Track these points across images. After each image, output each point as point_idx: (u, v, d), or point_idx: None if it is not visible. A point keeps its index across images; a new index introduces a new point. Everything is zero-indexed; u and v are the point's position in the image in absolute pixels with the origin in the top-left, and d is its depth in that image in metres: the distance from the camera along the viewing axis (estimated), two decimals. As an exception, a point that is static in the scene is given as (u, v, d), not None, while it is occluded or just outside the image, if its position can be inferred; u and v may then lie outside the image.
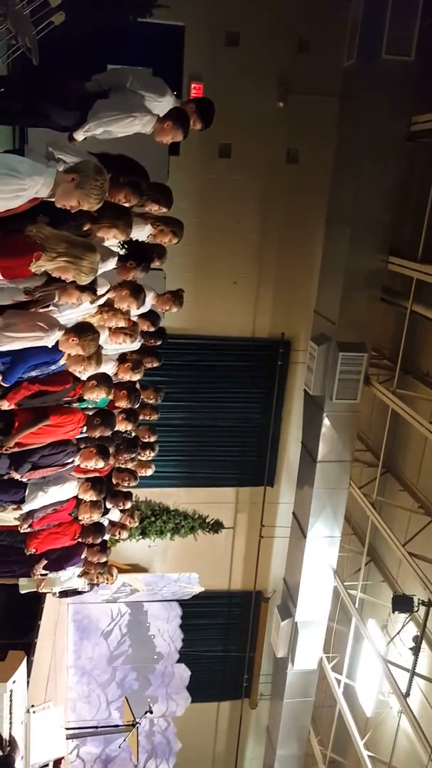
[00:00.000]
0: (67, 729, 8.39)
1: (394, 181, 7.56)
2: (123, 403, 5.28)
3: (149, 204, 4.58)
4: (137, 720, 8.68)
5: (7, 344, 3.74)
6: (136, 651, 10.71)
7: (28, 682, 5.52)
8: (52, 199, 3.37)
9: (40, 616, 6.99)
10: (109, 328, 4.65)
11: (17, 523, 5.13)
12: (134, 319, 5.11)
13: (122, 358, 5.30)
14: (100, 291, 4.16)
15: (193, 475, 10.31)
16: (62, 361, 4.13)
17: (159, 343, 5.93)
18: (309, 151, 8.82)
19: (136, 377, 5.33)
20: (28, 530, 5.15)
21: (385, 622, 8.84)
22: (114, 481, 5.88)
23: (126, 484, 5.92)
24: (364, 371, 8.12)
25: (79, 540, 5.53)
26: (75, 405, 4.78)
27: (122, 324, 4.62)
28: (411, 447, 8.52)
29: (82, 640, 10.47)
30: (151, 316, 5.47)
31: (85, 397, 4.60)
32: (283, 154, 8.89)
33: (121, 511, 6.14)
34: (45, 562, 5.51)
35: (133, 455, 5.81)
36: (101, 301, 4.35)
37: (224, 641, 11.49)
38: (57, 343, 3.95)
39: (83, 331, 4.01)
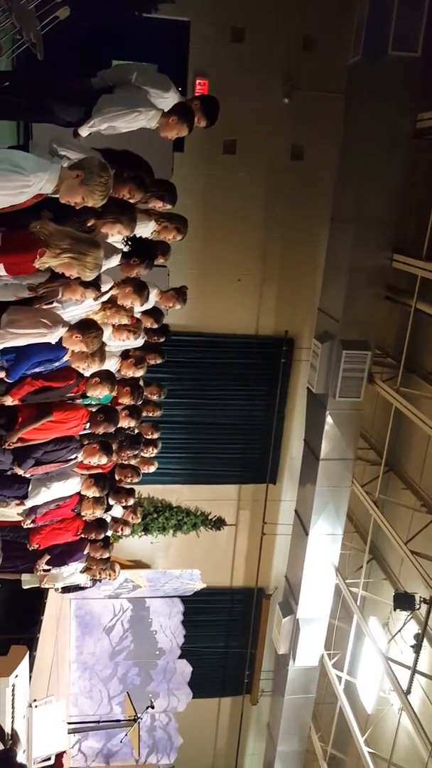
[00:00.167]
0: (69, 723, 8.43)
1: (399, 179, 7.54)
2: (126, 400, 5.28)
3: (153, 200, 4.56)
4: (139, 715, 8.72)
5: (11, 341, 3.75)
6: (138, 647, 10.74)
7: (30, 677, 5.54)
8: (57, 195, 3.37)
9: (42, 612, 7.02)
10: (113, 325, 4.65)
11: (20, 518, 5.14)
12: (138, 315, 5.11)
13: (125, 355, 5.29)
14: (103, 288, 4.15)
15: (196, 472, 10.31)
16: (66, 358, 4.13)
17: (162, 340, 5.92)
18: (314, 147, 8.78)
19: (139, 373, 5.33)
20: (31, 526, 5.16)
21: (386, 620, 8.84)
22: (117, 477, 5.88)
23: (129, 481, 5.92)
24: (368, 369, 8.10)
25: (82, 536, 5.54)
26: (78, 401, 4.78)
27: (125, 321, 4.61)
28: (414, 445, 8.51)
29: (84, 636, 10.50)
30: (155, 313, 5.46)
31: (88, 394, 4.61)
32: (288, 150, 8.86)
33: (124, 507, 6.15)
34: (48, 557, 5.53)
35: (136, 452, 5.81)
36: (105, 297, 4.35)
37: (226, 638, 11.51)
38: (61, 339, 3.96)
39: (87, 327, 4.02)
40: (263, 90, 8.50)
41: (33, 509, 5.05)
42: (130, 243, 4.33)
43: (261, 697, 11.84)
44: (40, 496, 4.95)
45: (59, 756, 6.41)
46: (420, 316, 7.67)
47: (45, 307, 3.87)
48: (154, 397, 6.34)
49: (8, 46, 5.80)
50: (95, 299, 4.08)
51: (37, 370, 4.12)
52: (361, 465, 9.21)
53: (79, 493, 5.23)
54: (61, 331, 3.89)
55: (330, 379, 8.23)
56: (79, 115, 4.26)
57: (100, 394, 4.59)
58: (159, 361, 5.99)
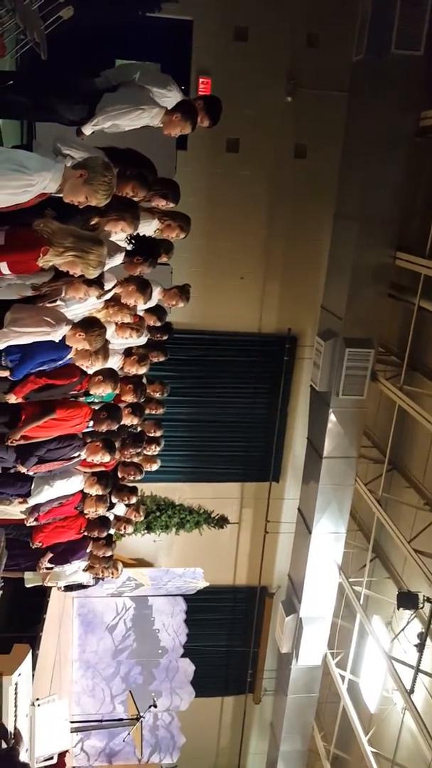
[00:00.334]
0: (72, 722, 8.43)
1: (402, 177, 7.52)
2: (129, 397, 5.29)
3: (156, 199, 4.57)
4: (141, 714, 8.73)
5: (15, 339, 3.76)
6: (141, 645, 10.75)
7: (33, 676, 5.53)
8: (60, 195, 3.38)
9: (45, 610, 7.02)
10: (116, 323, 4.65)
11: (23, 516, 5.15)
12: (141, 313, 5.12)
13: (128, 352, 5.30)
14: (107, 286, 4.16)
15: (199, 470, 10.31)
16: (70, 356, 4.14)
17: (165, 337, 5.92)
18: (317, 146, 8.78)
19: (142, 371, 5.34)
20: (34, 524, 5.17)
21: (389, 619, 8.84)
22: (119, 475, 5.89)
23: (131, 478, 5.93)
24: (371, 367, 8.09)
25: (85, 534, 5.55)
26: (81, 399, 4.79)
27: (128, 319, 4.62)
28: (417, 444, 8.50)
29: (87, 634, 10.51)
30: (158, 311, 5.47)
31: (91, 392, 4.61)
32: (291, 149, 8.85)
33: (127, 505, 6.16)
34: (50, 555, 5.53)
35: (139, 450, 5.82)
36: (108, 296, 4.35)
37: (228, 636, 11.51)
38: (64, 338, 3.96)
39: (90, 326, 4.03)
40: (266, 88, 8.49)
41: (36, 507, 5.06)
42: (133, 241, 4.34)
43: (264, 696, 11.83)
44: (43, 494, 4.96)
45: (62, 755, 6.41)
46: (423, 314, 7.66)
47: (48, 305, 3.88)
48: (157, 395, 6.35)
49: (12, 45, 5.82)
50: (98, 297, 4.09)
51: (40, 368, 4.13)
52: (364, 463, 9.20)
53: (82, 491, 5.23)
54: (64, 329, 3.90)
55: (333, 377, 8.22)
56: (82, 113, 4.27)
57: (103, 391, 4.60)
58: (162, 359, 6.00)
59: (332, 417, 8.40)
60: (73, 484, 5.08)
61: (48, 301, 3.85)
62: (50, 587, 6.54)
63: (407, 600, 7.46)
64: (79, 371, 4.36)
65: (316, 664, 9.79)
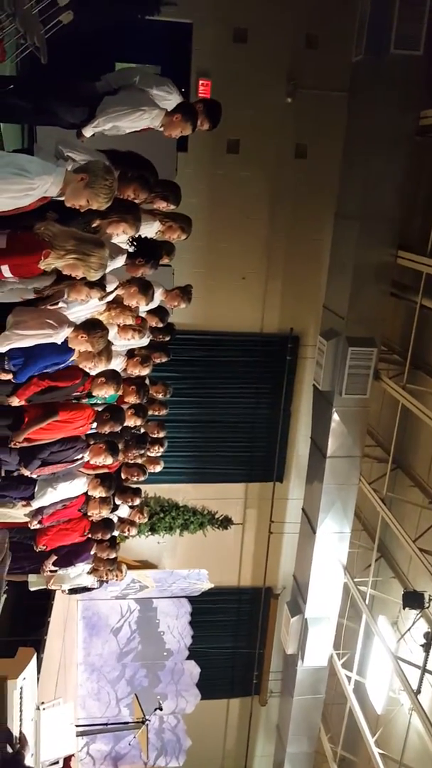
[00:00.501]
0: (77, 726, 8.42)
1: (403, 176, 7.52)
2: (132, 399, 5.30)
3: (157, 201, 4.58)
4: (147, 717, 8.70)
5: (18, 342, 3.76)
6: (146, 648, 10.74)
7: (38, 679, 5.52)
8: (62, 198, 3.38)
9: (49, 613, 7.01)
10: (118, 325, 4.66)
11: (26, 519, 5.15)
12: (143, 315, 5.12)
13: (131, 354, 5.31)
14: (109, 288, 4.16)
15: (202, 470, 10.31)
16: (73, 358, 4.14)
17: (168, 338, 5.94)
18: (317, 146, 8.79)
19: (145, 372, 5.34)
20: (38, 527, 5.17)
21: (395, 619, 8.81)
22: (123, 476, 5.89)
23: (135, 480, 5.93)
24: (374, 366, 8.09)
25: (89, 536, 5.55)
26: (84, 401, 4.79)
27: (130, 321, 4.62)
28: (421, 442, 8.49)
29: (92, 637, 10.50)
30: (160, 312, 5.48)
31: (93, 394, 4.62)
32: (292, 149, 8.87)
33: (131, 507, 6.16)
34: (54, 558, 5.53)
35: (143, 451, 5.82)
36: (110, 297, 4.36)
37: (234, 638, 11.49)
38: (67, 341, 3.97)
39: (92, 327, 4.03)
40: (266, 89, 8.51)
41: (39, 510, 5.07)
42: (135, 243, 4.35)
43: (270, 697, 11.81)
44: (47, 497, 4.96)
45: (67, 759, 6.38)
46: (425, 312, 7.65)
47: (50, 307, 3.88)
48: (160, 396, 6.35)
49: (12, 50, 5.83)
50: (100, 299, 4.09)
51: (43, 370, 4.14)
52: (368, 462, 9.19)
53: (85, 494, 5.23)
54: (66, 332, 3.90)
55: (336, 377, 8.22)
56: (83, 116, 4.29)
57: (105, 393, 4.61)
58: (164, 360, 6.01)
59: (335, 416, 8.39)
60: (77, 486, 5.08)
61: (50, 304, 3.86)
62: (54, 590, 6.54)
63: (413, 599, 7.44)
64: (82, 373, 4.36)
65: (322, 665, 9.76)
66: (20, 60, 5.96)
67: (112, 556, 5.85)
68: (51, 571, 5.67)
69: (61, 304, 3.95)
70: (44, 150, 4.14)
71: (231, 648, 11.51)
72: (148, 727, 8.78)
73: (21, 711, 4.91)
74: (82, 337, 3.97)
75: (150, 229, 4.70)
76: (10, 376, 4.01)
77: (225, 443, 10.26)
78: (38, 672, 5.57)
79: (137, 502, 6.05)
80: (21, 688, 4.88)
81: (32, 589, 6.09)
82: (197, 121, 4.33)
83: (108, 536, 5.63)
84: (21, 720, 4.91)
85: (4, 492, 4.89)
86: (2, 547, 5.09)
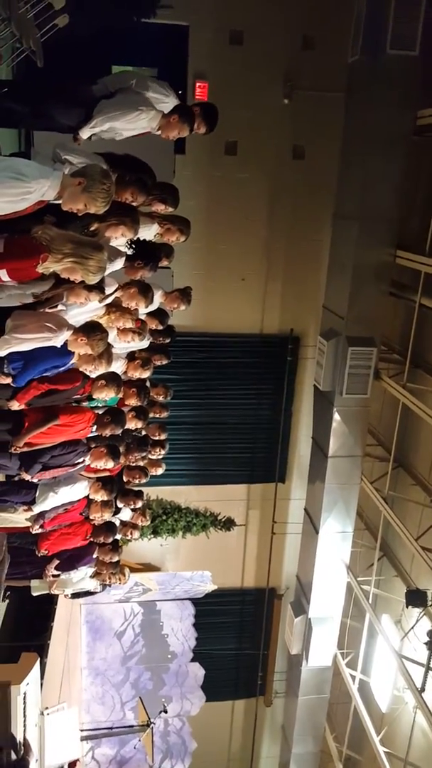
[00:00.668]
0: (82, 731, 8.42)
1: (401, 176, 7.53)
2: (133, 401, 5.28)
3: (156, 203, 4.58)
4: (152, 720, 8.70)
5: (17, 345, 3.75)
6: (150, 651, 10.72)
7: (41, 684, 5.51)
8: (59, 202, 3.38)
9: (52, 618, 7.01)
10: (118, 328, 4.65)
11: (28, 524, 5.14)
12: (143, 317, 5.12)
13: (131, 356, 5.30)
14: (108, 290, 4.16)
15: (204, 472, 10.31)
16: (73, 361, 4.13)
17: (168, 341, 5.93)
18: (315, 147, 8.80)
19: (146, 375, 5.34)
20: (40, 531, 5.16)
21: (399, 617, 8.81)
22: (125, 479, 5.88)
23: (137, 482, 5.92)
24: (374, 366, 8.09)
25: (91, 540, 5.53)
26: (84, 404, 4.78)
27: (130, 324, 4.62)
28: (422, 441, 8.49)
29: (95, 641, 10.49)
30: (160, 314, 5.47)
31: (94, 397, 4.61)
32: (290, 150, 8.88)
33: (133, 510, 6.14)
34: (57, 562, 5.52)
35: (144, 453, 5.81)
36: (109, 300, 4.35)
37: (238, 639, 11.48)
38: (66, 344, 3.96)
39: (92, 330, 4.02)
40: (263, 91, 8.52)
41: (41, 514, 5.05)
42: (133, 246, 4.35)
43: (275, 698, 11.80)
44: (48, 501, 4.95)
45: (72, 764, 6.36)
46: (424, 311, 7.67)
47: (49, 310, 3.88)
48: (161, 398, 6.34)
49: (8, 54, 5.83)
50: (99, 302, 4.09)
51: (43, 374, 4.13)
52: (369, 462, 9.19)
53: (87, 497, 5.22)
54: (66, 335, 3.89)
55: (336, 376, 8.22)
56: (79, 118, 4.28)
57: (106, 396, 4.59)
58: (165, 362, 6.00)
59: (336, 416, 8.39)
60: (78, 490, 5.07)
61: (49, 307, 3.85)
62: (57, 595, 6.53)
63: (416, 598, 7.44)
64: (82, 376, 4.34)
65: (326, 665, 9.76)
66: (16, 64, 5.97)
67: (115, 559, 5.83)
68: (53, 576, 5.65)
69: (60, 307, 3.94)
70: (41, 154, 4.14)
71: (235, 649, 11.50)
72: (153, 730, 8.78)
73: (25, 716, 4.89)
74: (81, 340, 3.96)
75: (149, 232, 4.70)
76: (9, 380, 4.00)
77: (226, 444, 10.25)
78: (42, 677, 5.56)
79: (139, 504, 6.03)
80: (24, 693, 4.86)
81: (35, 594, 6.08)
82: (194, 123, 4.33)
83: (110, 539, 5.61)
84: (25, 726, 4.88)
85: (5, 497, 4.88)
86: (0, 550, 5.08)
